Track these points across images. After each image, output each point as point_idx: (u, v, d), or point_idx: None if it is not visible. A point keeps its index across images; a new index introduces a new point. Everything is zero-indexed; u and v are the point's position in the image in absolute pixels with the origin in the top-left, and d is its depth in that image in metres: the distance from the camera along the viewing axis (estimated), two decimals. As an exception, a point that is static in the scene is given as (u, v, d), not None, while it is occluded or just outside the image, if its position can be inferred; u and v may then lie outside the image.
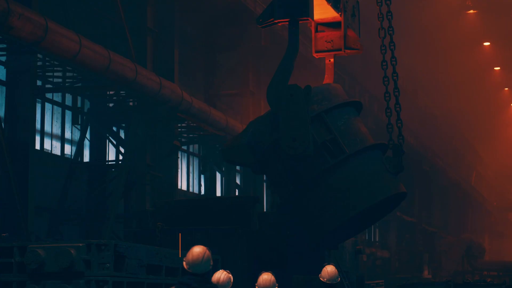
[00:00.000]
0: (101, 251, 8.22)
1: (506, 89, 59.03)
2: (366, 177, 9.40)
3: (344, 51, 10.37)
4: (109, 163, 18.99)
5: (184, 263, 7.07)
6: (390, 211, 10.36)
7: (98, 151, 18.72)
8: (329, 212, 9.32)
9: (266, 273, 8.81)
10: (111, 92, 18.08)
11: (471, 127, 58.27)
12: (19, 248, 8.40)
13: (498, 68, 54.86)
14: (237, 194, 24.70)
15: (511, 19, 45.58)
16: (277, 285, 8.78)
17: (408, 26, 34.59)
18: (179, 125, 20.73)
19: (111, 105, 18.58)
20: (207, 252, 7.07)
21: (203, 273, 6.97)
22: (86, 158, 18.72)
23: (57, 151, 18.10)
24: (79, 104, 18.00)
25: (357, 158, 9.42)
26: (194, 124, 20.80)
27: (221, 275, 8.52)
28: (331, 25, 10.36)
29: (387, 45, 9.95)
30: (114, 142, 18.72)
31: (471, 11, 46.24)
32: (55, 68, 16.42)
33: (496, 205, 65.08)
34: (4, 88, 15.66)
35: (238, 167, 24.40)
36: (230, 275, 8.55)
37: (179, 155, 22.05)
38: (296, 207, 9.57)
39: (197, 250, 7.03)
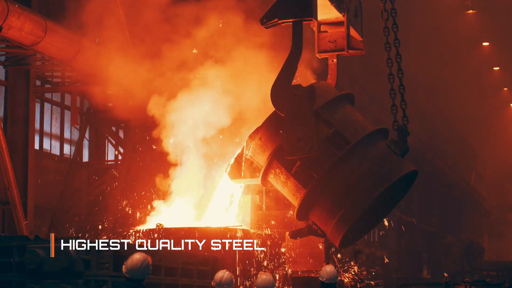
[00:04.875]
0: (100, 251, 8.21)
1: (506, 89, 58.96)
2: (376, 161, 9.40)
3: (347, 51, 10.36)
4: (108, 163, 18.97)
5: (123, 267, 7.16)
6: (403, 196, 10.30)
7: (97, 151, 18.70)
8: (348, 203, 9.27)
9: (265, 273, 8.81)
10: (110, 92, 18.05)
11: (471, 127, 58.18)
12: (18, 247, 8.38)
13: (498, 68, 54.81)
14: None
15: (511, 19, 45.56)
16: (275, 285, 8.78)
17: (407, 26, 34.53)
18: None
19: (110, 105, 18.55)
20: (148, 259, 7.17)
21: (138, 279, 7.07)
22: (85, 158, 18.70)
23: (56, 150, 18.09)
24: (78, 104, 17.98)
25: (363, 145, 9.41)
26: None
27: (223, 274, 8.54)
28: (334, 25, 10.37)
29: (391, 42, 9.93)
30: (113, 142, 18.69)
31: (471, 11, 46.16)
32: (54, 68, 16.41)
33: (495, 205, 65.04)
34: (4, 88, 15.65)
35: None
36: (232, 274, 8.56)
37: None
38: (313, 207, 9.51)
39: (137, 256, 7.15)
